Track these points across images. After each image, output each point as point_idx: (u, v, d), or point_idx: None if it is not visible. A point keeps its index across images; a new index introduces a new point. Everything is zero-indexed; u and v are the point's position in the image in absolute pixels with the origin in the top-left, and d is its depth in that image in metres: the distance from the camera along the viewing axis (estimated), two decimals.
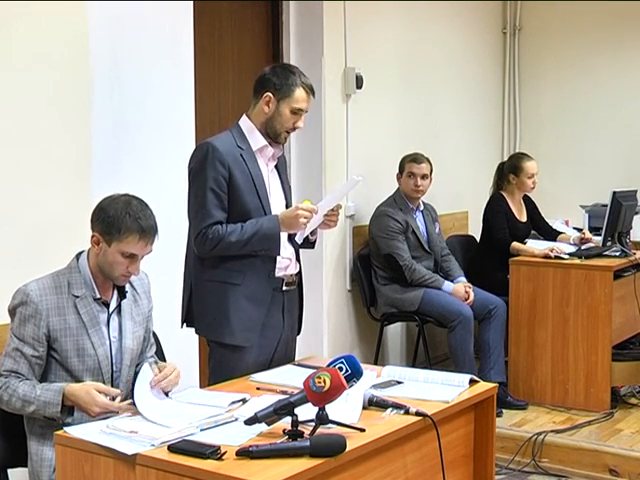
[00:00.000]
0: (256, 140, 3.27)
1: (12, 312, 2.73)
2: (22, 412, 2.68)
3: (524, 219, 5.67)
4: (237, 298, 3.20)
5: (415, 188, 5.13)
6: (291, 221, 3.17)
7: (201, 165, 3.17)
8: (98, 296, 2.77)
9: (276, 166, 3.37)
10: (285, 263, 3.30)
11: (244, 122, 3.30)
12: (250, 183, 3.21)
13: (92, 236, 2.73)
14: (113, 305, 2.81)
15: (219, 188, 3.16)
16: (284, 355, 3.38)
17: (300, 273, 3.41)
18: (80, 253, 2.82)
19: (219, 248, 3.15)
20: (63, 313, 2.71)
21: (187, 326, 3.34)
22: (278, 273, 3.28)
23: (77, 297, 2.73)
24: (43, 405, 2.63)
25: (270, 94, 3.22)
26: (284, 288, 3.31)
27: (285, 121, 3.24)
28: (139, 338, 2.87)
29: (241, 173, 3.19)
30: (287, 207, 3.36)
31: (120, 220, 2.66)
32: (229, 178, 3.17)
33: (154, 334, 3.08)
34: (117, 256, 2.69)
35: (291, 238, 3.34)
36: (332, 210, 3.28)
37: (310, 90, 3.28)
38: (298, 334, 3.49)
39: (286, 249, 3.29)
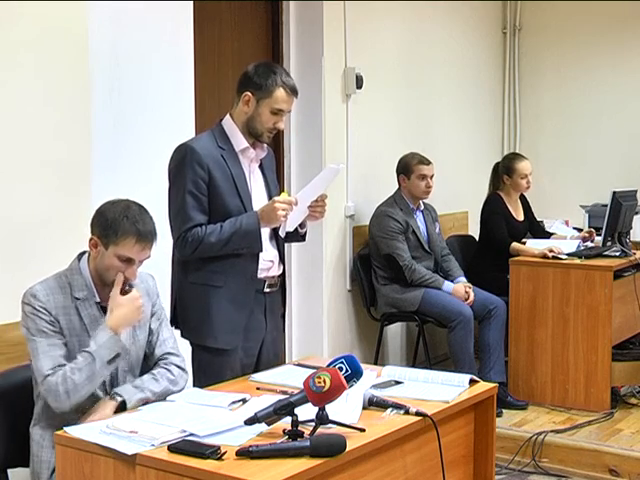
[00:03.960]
0: (238, 141, 3.25)
1: (24, 316, 2.68)
2: (91, 388, 2.62)
3: (521, 218, 5.67)
4: (219, 301, 3.19)
5: (427, 189, 5.14)
6: (270, 215, 3.14)
7: (179, 168, 3.16)
8: (98, 300, 2.75)
9: (261, 166, 3.35)
10: (267, 265, 3.28)
11: (227, 122, 3.28)
12: (231, 184, 3.19)
13: (90, 239, 2.72)
14: None
15: (198, 191, 3.14)
16: (271, 357, 3.36)
17: (283, 275, 3.40)
18: (82, 254, 2.81)
19: (200, 250, 3.14)
20: (68, 313, 2.70)
21: (175, 328, 3.32)
22: (260, 274, 3.26)
23: (78, 299, 2.72)
24: (101, 351, 2.60)
25: (249, 94, 3.20)
26: (266, 290, 3.30)
27: (265, 121, 3.21)
28: (141, 341, 2.83)
29: (222, 174, 3.17)
30: None
31: (117, 223, 2.65)
32: (209, 180, 3.15)
33: None
34: (114, 260, 2.68)
35: (277, 240, 3.33)
36: (316, 201, 3.26)
37: (292, 90, 3.23)
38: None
39: (268, 251, 3.27)
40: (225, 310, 3.19)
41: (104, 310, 2.75)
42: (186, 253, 3.15)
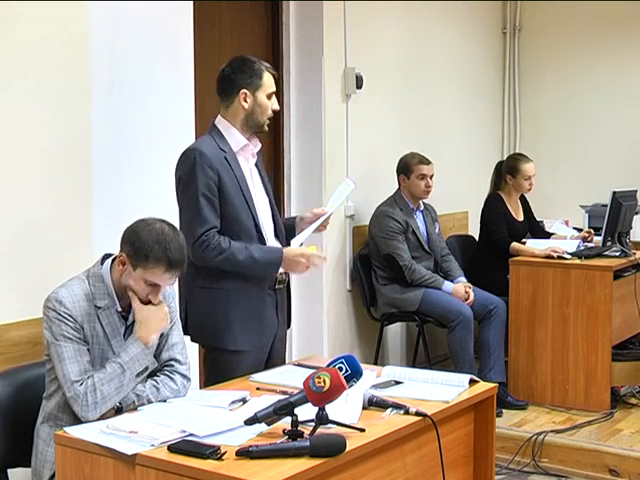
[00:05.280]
0: (236, 140, 3.29)
1: (48, 320, 2.66)
2: (117, 399, 2.60)
3: (521, 218, 5.68)
4: (235, 303, 3.21)
5: (427, 189, 5.14)
6: (292, 264, 3.22)
7: (191, 172, 3.17)
8: (120, 309, 2.73)
9: (255, 163, 3.39)
10: None
11: (221, 123, 3.31)
12: (236, 185, 3.22)
13: (119, 255, 2.70)
14: (132, 318, 2.75)
15: (211, 193, 3.16)
16: (279, 352, 3.42)
17: (288, 272, 3.43)
18: (105, 257, 2.78)
19: (220, 260, 3.15)
20: (92, 320, 2.69)
21: (185, 334, 3.29)
22: None
23: (99, 308, 2.70)
24: (132, 364, 2.61)
25: (245, 90, 3.25)
26: (276, 287, 3.33)
27: (265, 109, 3.28)
28: (153, 347, 2.78)
29: (228, 176, 3.21)
30: (270, 204, 3.39)
31: (149, 249, 2.61)
32: (219, 182, 3.18)
33: None
34: (140, 282, 2.65)
35: (280, 238, 3.37)
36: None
37: (273, 70, 3.35)
38: (288, 328, 3.51)
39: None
40: (241, 312, 3.22)
41: (125, 319, 2.74)
42: (206, 258, 3.15)
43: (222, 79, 3.32)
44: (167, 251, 2.61)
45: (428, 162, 5.17)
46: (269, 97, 3.29)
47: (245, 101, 3.25)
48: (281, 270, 3.33)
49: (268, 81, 3.29)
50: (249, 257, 3.16)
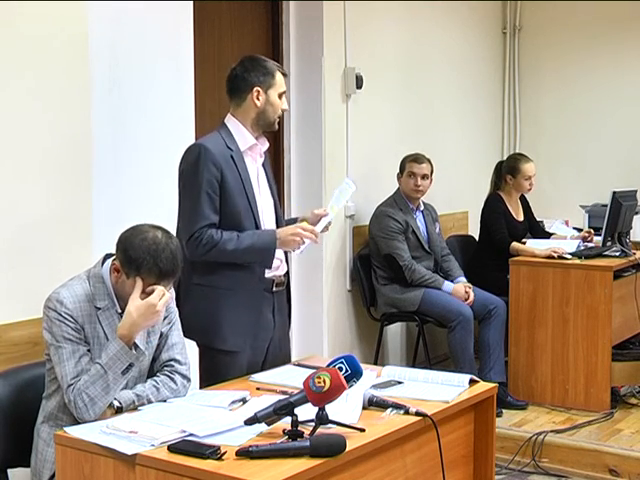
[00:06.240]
0: (244, 140, 3.27)
1: (49, 321, 2.65)
2: (110, 399, 2.59)
3: (521, 218, 5.68)
4: (229, 303, 3.20)
5: (415, 188, 5.13)
6: (288, 239, 3.19)
7: (194, 167, 3.16)
8: (120, 310, 2.72)
9: (262, 164, 3.38)
10: (276, 263, 3.30)
11: (230, 122, 3.30)
12: (240, 185, 3.21)
13: (112, 262, 2.70)
14: None
15: (212, 190, 3.15)
16: (278, 355, 3.38)
17: (288, 274, 3.43)
18: (106, 257, 2.77)
19: (213, 254, 3.14)
20: (93, 321, 2.69)
21: None
22: (268, 274, 3.28)
23: (99, 309, 2.70)
24: (112, 364, 2.58)
25: (258, 88, 3.25)
26: (274, 289, 3.32)
27: (277, 108, 3.29)
28: (152, 348, 2.80)
29: (231, 174, 3.19)
30: (275, 205, 3.38)
31: (140, 260, 2.60)
32: (221, 179, 3.17)
33: None
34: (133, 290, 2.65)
35: None
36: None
37: (283, 70, 3.37)
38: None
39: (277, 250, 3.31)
40: (235, 312, 3.20)
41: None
42: (198, 254, 3.14)
43: (234, 77, 3.31)
44: (158, 262, 2.61)
45: (422, 161, 5.14)
46: (280, 96, 3.29)
47: (258, 99, 3.25)
48: (281, 272, 3.32)
49: (280, 80, 3.30)
50: (240, 246, 3.14)
